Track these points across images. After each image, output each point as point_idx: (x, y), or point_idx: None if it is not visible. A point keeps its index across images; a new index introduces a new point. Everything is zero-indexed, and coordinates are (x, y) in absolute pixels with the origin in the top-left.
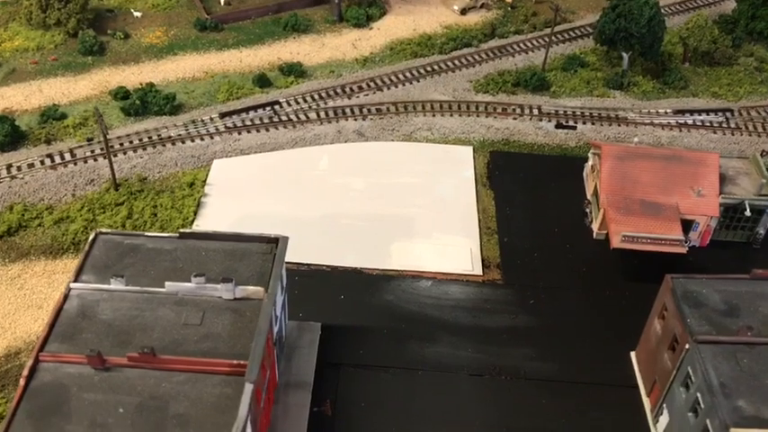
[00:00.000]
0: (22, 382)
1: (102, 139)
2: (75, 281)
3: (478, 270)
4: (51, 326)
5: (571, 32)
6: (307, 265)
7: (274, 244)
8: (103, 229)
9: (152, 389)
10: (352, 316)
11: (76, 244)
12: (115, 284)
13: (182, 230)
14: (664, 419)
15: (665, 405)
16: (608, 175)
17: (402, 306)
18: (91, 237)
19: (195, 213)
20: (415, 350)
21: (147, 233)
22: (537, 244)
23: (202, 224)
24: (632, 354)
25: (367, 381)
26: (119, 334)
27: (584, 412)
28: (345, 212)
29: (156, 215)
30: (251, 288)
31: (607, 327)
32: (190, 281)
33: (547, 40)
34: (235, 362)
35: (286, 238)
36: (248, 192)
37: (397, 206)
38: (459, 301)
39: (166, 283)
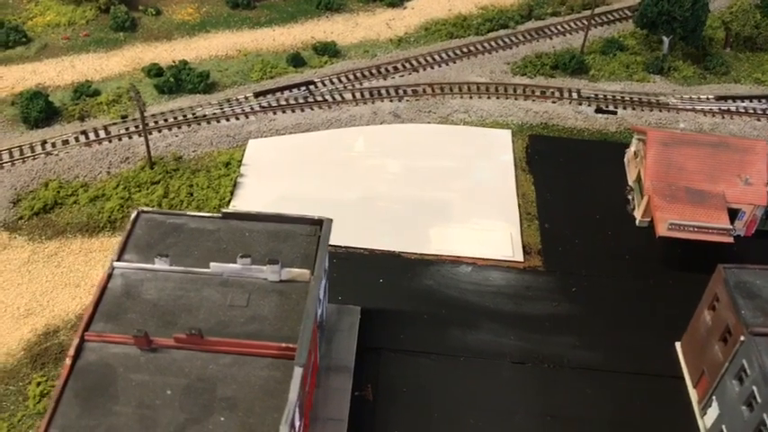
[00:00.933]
0: (68, 361)
1: (138, 116)
2: (119, 260)
3: (519, 256)
4: (96, 305)
5: (609, 15)
6: (344, 247)
7: (318, 226)
8: (145, 208)
9: (199, 371)
10: (392, 300)
11: (112, 222)
12: (159, 264)
13: (225, 210)
14: (713, 412)
15: (714, 397)
16: (653, 161)
17: (442, 291)
18: (132, 215)
19: (232, 194)
20: (456, 336)
21: (189, 212)
22: (578, 230)
23: (239, 204)
24: (677, 344)
25: (408, 366)
26: (164, 314)
27: (629, 402)
28: (382, 195)
29: (192, 194)
30: (297, 270)
31: (651, 316)
32: (234, 262)
33: (585, 22)
34: (283, 345)
35: (330, 220)
36: (284, 172)
37: (434, 189)
38: (500, 288)
39: (211, 264)
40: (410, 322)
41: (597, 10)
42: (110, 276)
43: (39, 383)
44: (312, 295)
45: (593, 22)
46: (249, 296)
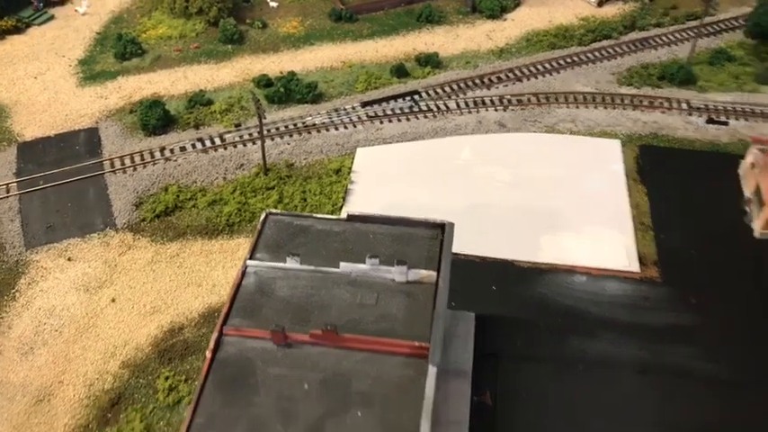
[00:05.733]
0: (208, 354)
1: (251, 124)
2: (251, 258)
3: (635, 267)
4: (232, 301)
5: (716, 26)
6: (456, 254)
7: (440, 230)
8: (273, 210)
9: (334, 366)
10: (506, 308)
11: (231, 225)
12: (291, 263)
13: (349, 213)
14: None
15: None
16: None
17: (557, 300)
18: (261, 217)
19: (344, 200)
20: (574, 345)
21: (315, 215)
22: (694, 242)
23: (351, 210)
24: None
25: (526, 373)
26: (297, 311)
27: (757, 416)
28: (491, 203)
29: (305, 200)
30: (424, 272)
31: None
32: (360, 262)
33: (691, 33)
34: (416, 343)
35: (452, 224)
36: (393, 180)
37: (544, 198)
38: (617, 298)
39: (341, 264)
40: (526, 330)
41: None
42: (244, 274)
43: (167, 378)
44: (441, 297)
45: (700, 31)
46: (378, 296)
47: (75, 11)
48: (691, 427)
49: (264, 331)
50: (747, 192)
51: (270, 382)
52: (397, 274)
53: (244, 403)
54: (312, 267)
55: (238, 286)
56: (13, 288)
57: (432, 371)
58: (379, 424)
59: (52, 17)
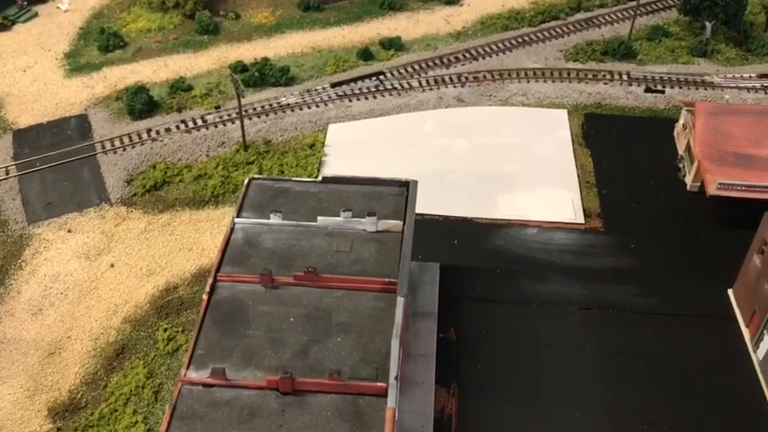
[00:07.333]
0: (205, 297)
1: (230, 106)
2: (238, 216)
3: (581, 219)
4: (223, 252)
5: (654, 5)
6: (421, 214)
7: (405, 187)
8: (255, 175)
9: (316, 302)
10: (467, 258)
11: (216, 196)
12: (274, 219)
13: (324, 176)
14: (765, 345)
15: (765, 331)
16: (702, 129)
17: (512, 250)
18: (246, 181)
19: (318, 171)
20: (527, 287)
21: (293, 178)
22: (634, 196)
23: (325, 173)
24: (729, 291)
25: (485, 312)
26: (281, 259)
27: (687, 339)
28: (452, 169)
29: (283, 172)
30: (391, 221)
31: (705, 268)
32: (336, 217)
33: (632, 12)
34: (386, 280)
35: (416, 182)
36: (362, 152)
37: (499, 163)
38: (565, 246)
39: (318, 218)
40: (485, 276)
41: (643, 0)
42: (232, 230)
43: (165, 329)
44: (407, 240)
45: (639, 11)
46: (352, 243)
47: (58, 8)
48: (628, 352)
49: (253, 276)
50: (680, 150)
51: (260, 317)
52: (367, 224)
53: (238, 335)
54: (293, 222)
55: (228, 239)
56: (20, 258)
57: (400, 301)
58: (356, 347)
59: (36, 14)
